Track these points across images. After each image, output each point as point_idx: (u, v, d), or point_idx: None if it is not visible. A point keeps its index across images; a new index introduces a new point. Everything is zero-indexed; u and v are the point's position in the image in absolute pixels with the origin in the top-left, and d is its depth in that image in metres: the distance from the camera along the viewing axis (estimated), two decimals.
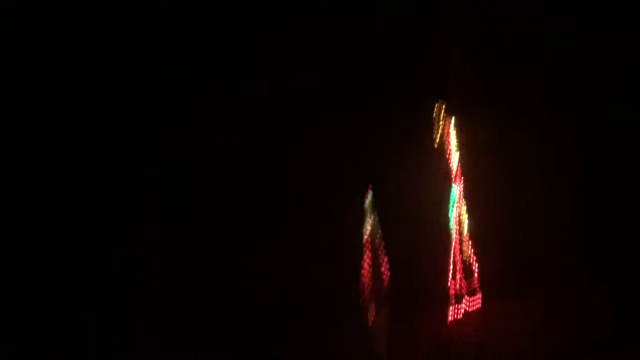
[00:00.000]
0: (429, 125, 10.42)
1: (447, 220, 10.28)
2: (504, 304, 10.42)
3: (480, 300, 10.46)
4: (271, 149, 10.18)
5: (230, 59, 10.43)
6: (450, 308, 10.04)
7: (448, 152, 10.48)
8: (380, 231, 9.89)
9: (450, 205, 10.31)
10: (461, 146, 10.53)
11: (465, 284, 10.32)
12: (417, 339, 9.58)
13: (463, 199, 10.43)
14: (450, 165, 10.45)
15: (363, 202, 9.83)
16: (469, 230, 10.45)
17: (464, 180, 10.49)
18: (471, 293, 10.39)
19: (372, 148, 10.31)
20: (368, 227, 9.84)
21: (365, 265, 9.70)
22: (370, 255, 9.79)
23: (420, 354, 9.29)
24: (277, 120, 10.23)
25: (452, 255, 10.20)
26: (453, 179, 10.43)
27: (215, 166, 10.21)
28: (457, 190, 10.40)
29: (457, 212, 10.36)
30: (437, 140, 10.43)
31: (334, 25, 10.25)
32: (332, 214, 9.94)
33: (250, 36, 10.42)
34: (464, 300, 10.25)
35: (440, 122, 10.43)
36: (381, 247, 9.86)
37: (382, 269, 9.69)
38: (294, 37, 10.21)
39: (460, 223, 10.37)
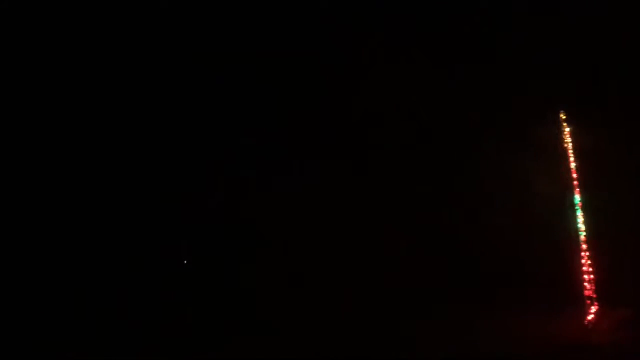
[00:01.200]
0: (553, 134, 10.74)
1: (575, 224, 10.55)
2: (626, 311, 10.56)
3: (604, 306, 10.67)
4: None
5: None
6: (585, 309, 10.24)
7: (568, 159, 10.77)
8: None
9: (576, 211, 10.58)
10: (579, 154, 10.84)
11: (590, 287, 10.54)
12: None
13: (582, 205, 10.70)
14: (571, 172, 10.74)
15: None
16: (589, 236, 10.69)
17: (582, 186, 10.78)
18: (596, 297, 10.60)
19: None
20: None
21: None
22: None
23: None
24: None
25: (581, 259, 10.44)
26: (574, 185, 10.72)
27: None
28: (577, 196, 10.68)
29: (579, 217, 10.63)
30: (560, 148, 10.73)
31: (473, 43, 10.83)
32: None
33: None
34: (592, 304, 10.46)
35: (562, 132, 10.76)
36: None
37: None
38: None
39: (582, 228, 10.63)
